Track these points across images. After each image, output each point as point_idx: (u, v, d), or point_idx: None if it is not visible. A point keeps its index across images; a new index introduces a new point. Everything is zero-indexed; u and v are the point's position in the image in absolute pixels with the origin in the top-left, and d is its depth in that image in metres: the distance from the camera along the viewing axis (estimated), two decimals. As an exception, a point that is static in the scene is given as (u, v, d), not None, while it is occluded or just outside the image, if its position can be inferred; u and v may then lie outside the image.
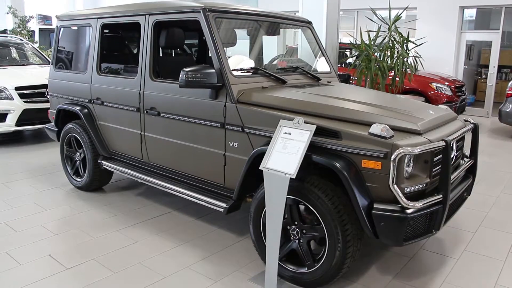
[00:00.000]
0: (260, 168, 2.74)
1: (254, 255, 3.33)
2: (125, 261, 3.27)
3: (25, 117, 6.87)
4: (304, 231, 2.85)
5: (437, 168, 2.76)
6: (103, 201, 4.56)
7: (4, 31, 12.88)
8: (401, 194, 2.49)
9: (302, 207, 2.85)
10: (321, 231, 2.73)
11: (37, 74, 7.37)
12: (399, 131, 2.66)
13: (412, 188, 2.59)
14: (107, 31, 4.76)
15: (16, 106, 6.76)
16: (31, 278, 3.02)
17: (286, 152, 2.68)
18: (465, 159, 3.42)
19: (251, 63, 3.90)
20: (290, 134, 2.73)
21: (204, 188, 3.57)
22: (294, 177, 2.59)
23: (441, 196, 2.65)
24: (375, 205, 2.57)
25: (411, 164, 2.59)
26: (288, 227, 2.92)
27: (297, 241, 2.90)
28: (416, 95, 8.77)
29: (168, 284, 2.98)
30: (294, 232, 2.89)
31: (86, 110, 4.57)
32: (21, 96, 6.82)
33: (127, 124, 4.14)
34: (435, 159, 2.72)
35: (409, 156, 2.54)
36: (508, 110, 8.33)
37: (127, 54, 5.17)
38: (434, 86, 8.93)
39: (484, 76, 12.58)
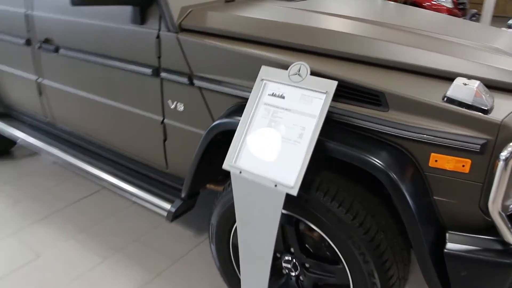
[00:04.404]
0: (225, 167, 1.41)
1: (220, 280, 2.12)
2: (11, 301, 2.00)
3: None
4: (308, 266, 1.62)
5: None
6: (3, 175, 3.16)
7: None
8: (507, 221, 1.24)
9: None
10: (341, 276, 1.50)
11: None
12: (493, 90, 1.35)
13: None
14: None
15: None
16: None
17: (276, 136, 1.34)
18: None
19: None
20: (283, 97, 1.37)
21: (138, 173, 2.23)
22: (295, 193, 1.28)
23: None
24: (450, 237, 1.33)
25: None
26: (278, 255, 1.68)
27: (293, 278, 1.68)
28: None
29: None
30: (288, 265, 1.66)
31: (-39, 42, 3.00)
32: None
33: (17, 66, 2.64)
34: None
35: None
36: (519, 26, 7.05)
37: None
38: (432, -4, 7.49)
39: (480, -16, 11.08)
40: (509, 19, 7.56)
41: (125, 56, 1.92)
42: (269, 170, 1.31)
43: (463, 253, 1.30)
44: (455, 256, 1.31)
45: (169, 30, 1.73)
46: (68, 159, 2.46)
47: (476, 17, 7.50)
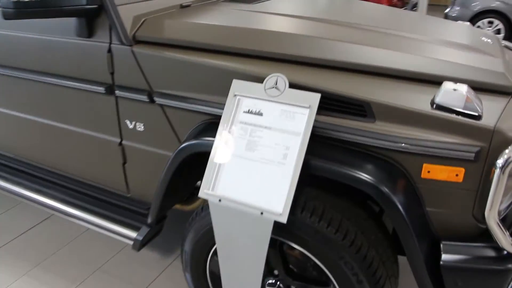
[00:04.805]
0: (201, 196, 1.27)
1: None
2: None
3: None
4: (294, 289, 1.52)
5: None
6: None
7: None
8: (503, 228, 1.20)
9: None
10: (332, 298, 1.41)
11: None
12: (478, 92, 1.30)
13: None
14: None
15: None
16: None
17: (256, 158, 1.22)
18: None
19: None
20: (260, 114, 1.25)
21: (97, 199, 2.02)
22: (285, 220, 1.17)
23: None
24: (445, 248, 1.28)
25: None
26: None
27: (279, 301, 1.57)
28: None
29: None
30: (274, 288, 1.55)
31: None
32: None
33: None
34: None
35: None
36: (454, 15, 7.35)
37: None
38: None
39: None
40: (446, 8, 7.77)
41: (73, 74, 1.71)
42: (252, 196, 1.19)
43: (459, 264, 1.25)
44: (452, 268, 1.26)
45: (121, 43, 1.55)
46: (10, 187, 2.20)
47: (416, 7, 7.73)
